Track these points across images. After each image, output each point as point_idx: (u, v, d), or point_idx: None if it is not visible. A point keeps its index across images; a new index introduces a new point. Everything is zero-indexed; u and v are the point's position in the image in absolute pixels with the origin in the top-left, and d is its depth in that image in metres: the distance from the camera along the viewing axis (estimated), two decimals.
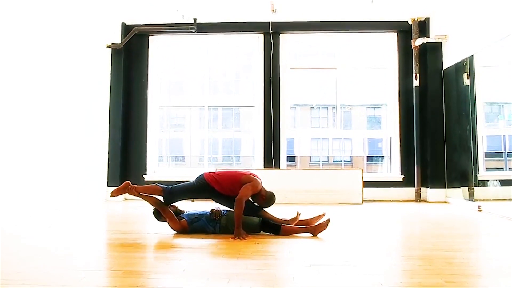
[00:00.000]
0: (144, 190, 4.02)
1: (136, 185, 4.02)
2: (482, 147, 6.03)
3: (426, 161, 6.84)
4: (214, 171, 4.19)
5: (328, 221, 3.84)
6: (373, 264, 2.81)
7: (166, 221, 3.93)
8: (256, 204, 4.04)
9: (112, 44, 7.08)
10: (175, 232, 3.89)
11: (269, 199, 4.02)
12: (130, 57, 7.35)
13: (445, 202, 6.58)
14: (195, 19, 7.07)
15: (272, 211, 4.11)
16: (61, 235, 4.02)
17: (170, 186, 3.98)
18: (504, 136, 6.16)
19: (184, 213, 3.98)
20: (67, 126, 5.77)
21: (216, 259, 3.04)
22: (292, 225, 3.98)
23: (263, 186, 4.01)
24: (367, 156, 9.24)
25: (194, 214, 3.93)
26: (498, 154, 6.32)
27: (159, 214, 3.95)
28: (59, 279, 2.46)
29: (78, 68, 6.09)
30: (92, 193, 6.50)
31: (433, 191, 6.73)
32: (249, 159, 8.07)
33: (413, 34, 6.97)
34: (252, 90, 7.40)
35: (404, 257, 3.06)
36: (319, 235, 3.78)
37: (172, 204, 3.98)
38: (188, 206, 4.24)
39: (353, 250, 3.26)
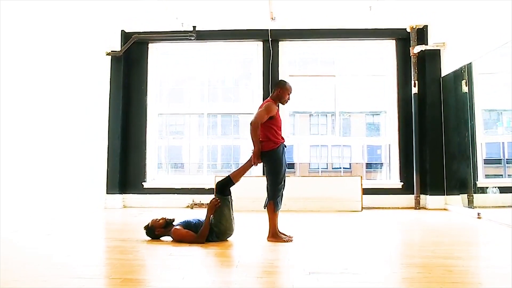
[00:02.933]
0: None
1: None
2: (481, 154, 6.04)
3: (425, 168, 6.84)
4: None
5: None
6: (372, 272, 2.80)
7: (160, 237, 3.98)
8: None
9: (111, 51, 7.10)
10: (172, 239, 3.89)
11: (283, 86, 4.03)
12: (130, 64, 7.36)
13: (444, 209, 6.57)
14: (194, 27, 7.09)
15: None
16: (60, 242, 4.01)
17: None
18: (503, 143, 6.17)
19: (180, 222, 3.97)
20: (66, 133, 5.77)
21: (215, 267, 3.04)
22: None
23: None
24: (366, 163, 9.23)
25: (190, 222, 3.92)
26: (497, 161, 6.33)
27: (152, 232, 3.96)
28: (58, 287, 2.45)
29: (77, 75, 6.10)
30: (91, 201, 6.49)
31: (432, 198, 6.72)
32: None
33: (411, 42, 7.00)
34: (251, 98, 7.41)
35: (403, 264, 3.06)
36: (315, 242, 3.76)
37: (163, 217, 4.00)
38: (182, 215, 4.23)
39: (353, 258, 3.25)
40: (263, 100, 7.13)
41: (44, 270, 2.84)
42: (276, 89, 4.05)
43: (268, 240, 3.92)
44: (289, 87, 4.06)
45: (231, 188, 3.98)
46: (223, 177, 4.04)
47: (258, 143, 3.86)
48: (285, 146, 4.04)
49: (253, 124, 3.81)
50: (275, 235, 3.94)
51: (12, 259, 3.23)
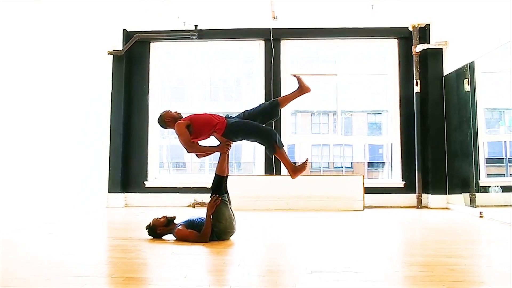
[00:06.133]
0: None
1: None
2: (483, 153, 6.03)
3: (427, 167, 6.83)
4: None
5: None
6: (374, 270, 2.80)
7: (162, 236, 3.97)
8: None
9: (113, 50, 7.10)
10: (175, 238, 3.89)
11: (164, 116, 4.08)
12: (131, 63, 7.37)
13: (446, 208, 6.56)
14: (196, 26, 7.09)
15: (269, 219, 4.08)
16: (62, 241, 4.02)
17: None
18: (505, 142, 6.16)
19: (183, 221, 3.97)
20: (68, 131, 5.77)
21: (217, 266, 3.04)
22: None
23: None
24: (368, 162, 9.23)
25: (193, 221, 3.92)
26: (499, 160, 6.32)
27: (154, 231, 3.97)
28: (60, 286, 2.45)
29: (79, 74, 6.10)
30: (93, 200, 6.50)
31: (434, 197, 6.71)
32: (250, 165, 8.07)
33: (413, 41, 6.98)
34: (253, 97, 7.41)
35: (405, 263, 3.05)
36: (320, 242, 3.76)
37: (164, 215, 4.01)
38: (184, 214, 4.23)
39: (355, 257, 3.25)
40: (264, 99, 7.15)
41: (46, 268, 2.85)
42: (168, 124, 4.07)
43: (293, 178, 3.92)
44: (163, 114, 4.10)
45: (228, 187, 3.99)
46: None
47: (210, 148, 4.03)
48: (230, 117, 4.08)
49: (191, 151, 3.98)
50: (295, 170, 3.89)
51: (14, 258, 3.24)
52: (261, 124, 4.00)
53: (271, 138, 3.86)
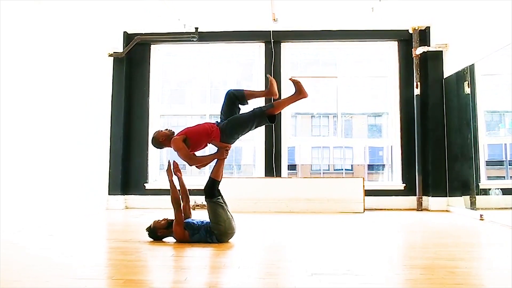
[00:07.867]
0: None
1: None
2: (484, 155, 6.03)
3: (427, 170, 6.83)
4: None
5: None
6: (375, 273, 2.80)
7: (162, 238, 3.96)
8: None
9: (114, 52, 7.11)
10: (175, 241, 3.88)
11: (156, 137, 4.07)
12: (132, 65, 7.37)
13: (446, 211, 6.56)
14: (196, 28, 7.10)
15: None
16: (62, 243, 4.01)
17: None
18: (505, 144, 6.16)
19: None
20: (68, 134, 5.77)
21: (217, 268, 3.04)
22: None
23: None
24: (368, 165, 9.24)
25: (193, 224, 3.91)
26: (500, 163, 6.32)
27: (154, 233, 3.95)
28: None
29: (80, 76, 6.10)
30: (93, 202, 6.49)
31: (434, 200, 6.71)
32: (250, 167, 8.07)
33: (413, 43, 6.99)
34: (253, 99, 7.39)
35: (406, 266, 3.05)
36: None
37: (164, 218, 4.01)
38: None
39: (355, 259, 3.25)
40: (264, 101, 7.14)
41: (46, 270, 2.84)
42: (163, 143, 4.06)
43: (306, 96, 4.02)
44: (155, 135, 4.09)
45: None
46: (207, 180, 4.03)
47: (210, 156, 4.03)
48: (217, 122, 4.12)
49: (193, 164, 4.02)
50: (299, 93, 4.01)
51: (14, 260, 3.24)
52: (246, 113, 4.06)
53: (261, 112, 3.96)
